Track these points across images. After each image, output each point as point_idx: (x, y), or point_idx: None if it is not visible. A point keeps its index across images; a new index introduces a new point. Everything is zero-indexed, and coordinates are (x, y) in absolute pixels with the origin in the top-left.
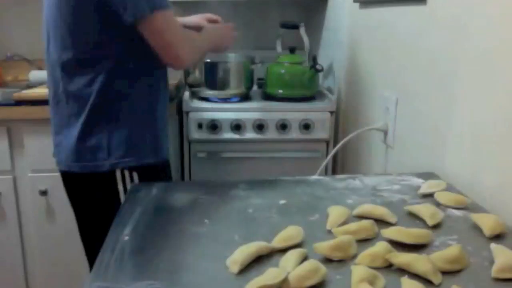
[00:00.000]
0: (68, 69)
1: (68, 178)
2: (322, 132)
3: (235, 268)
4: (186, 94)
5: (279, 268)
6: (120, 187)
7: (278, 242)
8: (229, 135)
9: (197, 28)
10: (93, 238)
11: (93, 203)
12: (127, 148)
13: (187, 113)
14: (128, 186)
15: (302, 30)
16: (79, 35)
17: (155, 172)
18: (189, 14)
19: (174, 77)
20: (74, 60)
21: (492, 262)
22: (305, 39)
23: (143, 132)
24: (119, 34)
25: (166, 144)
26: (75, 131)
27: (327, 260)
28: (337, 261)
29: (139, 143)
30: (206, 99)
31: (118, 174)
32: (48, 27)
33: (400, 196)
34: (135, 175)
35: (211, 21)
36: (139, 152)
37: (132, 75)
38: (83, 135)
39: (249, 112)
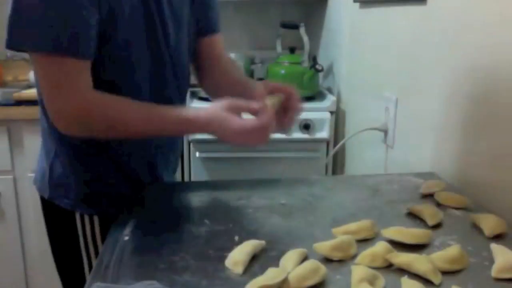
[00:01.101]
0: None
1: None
2: (322, 132)
3: (239, 269)
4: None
5: (279, 268)
6: (78, 224)
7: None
8: None
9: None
10: (62, 263)
11: (49, 227)
12: (70, 188)
13: None
14: (87, 228)
15: (302, 30)
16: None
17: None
18: None
19: None
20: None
21: (492, 262)
22: (305, 39)
23: (94, 171)
24: None
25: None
26: (41, 149)
27: (327, 260)
28: (337, 261)
29: (90, 189)
30: (206, 99)
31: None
32: None
33: (400, 196)
34: (95, 219)
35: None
36: (89, 201)
37: None
38: (40, 148)
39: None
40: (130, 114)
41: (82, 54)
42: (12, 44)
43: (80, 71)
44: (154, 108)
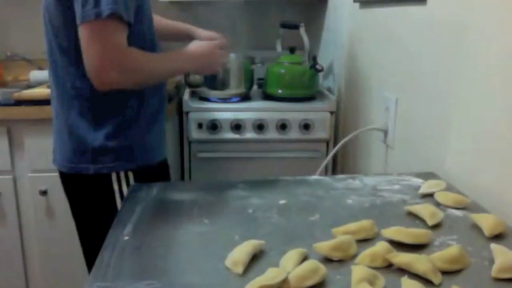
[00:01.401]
0: (54, 67)
1: (63, 177)
2: (322, 132)
3: (239, 269)
4: (186, 94)
5: (279, 268)
6: (115, 186)
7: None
8: (229, 135)
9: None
10: (90, 237)
11: (88, 202)
12: (111, 153)
13: (187, 113)
14: (124, 186)
15: (302, 30)
16: (59, 35)
17: (150, 173)
18: (189, 14)
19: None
20: (58, 58)
21: (492, 262)
22: (305, 39)
23: (128, 135)
24: None
25: (159, 147)
26: (62, 131)
27: (327, 260)
28: (337, 261)
29: (123, 148)
30: (206, 99)
31: (113, 174)
32: (44, 30)
33: (400, 196)
34: (130, 175)
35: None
36: (124, 157)
37: None
38: (68, 137)
39: (249, 112)
40: (156, 60)
41: (129, 21)
42: (97, 13)
43: (125, 32)
44: (167, 54)
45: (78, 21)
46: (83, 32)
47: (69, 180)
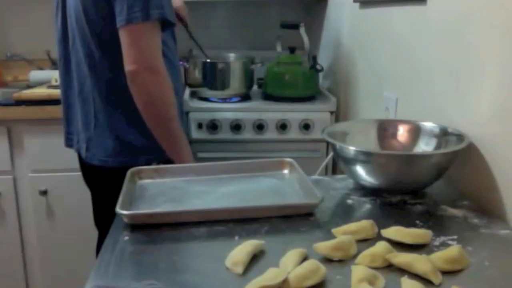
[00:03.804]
0: (93, 65)
1: (97, 173)
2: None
3: (239, 269)
4: (186, 94)
5: (279, 268)
6: None
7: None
8: (229, 135)
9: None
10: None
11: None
12: (148, 146)
13: (187, 113)
14: None
15: (302, 30)
16: (100, 31)
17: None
18: (189, 14)
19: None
20: (98, 56)
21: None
22: (305, 39)
23: None
24: None
25: None
26: (105, 127)
27: (327, 260)
28: (337, 261)
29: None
30: (206, 99)
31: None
32: (72, 24)
33: (400, 196)
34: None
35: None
36: (158, 149)
37: None
38: (115, 133)
39: (249, 112)
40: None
41: (175, 22)
42: (144, 16)
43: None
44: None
45: (121, 21)
46: (127, 33)
47: (105, 176)
